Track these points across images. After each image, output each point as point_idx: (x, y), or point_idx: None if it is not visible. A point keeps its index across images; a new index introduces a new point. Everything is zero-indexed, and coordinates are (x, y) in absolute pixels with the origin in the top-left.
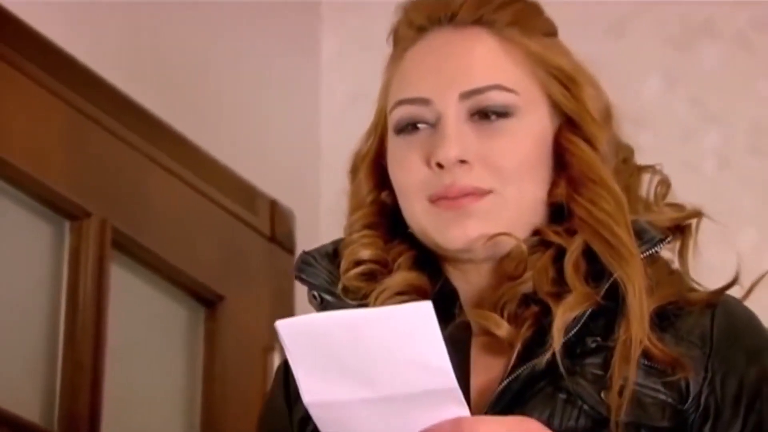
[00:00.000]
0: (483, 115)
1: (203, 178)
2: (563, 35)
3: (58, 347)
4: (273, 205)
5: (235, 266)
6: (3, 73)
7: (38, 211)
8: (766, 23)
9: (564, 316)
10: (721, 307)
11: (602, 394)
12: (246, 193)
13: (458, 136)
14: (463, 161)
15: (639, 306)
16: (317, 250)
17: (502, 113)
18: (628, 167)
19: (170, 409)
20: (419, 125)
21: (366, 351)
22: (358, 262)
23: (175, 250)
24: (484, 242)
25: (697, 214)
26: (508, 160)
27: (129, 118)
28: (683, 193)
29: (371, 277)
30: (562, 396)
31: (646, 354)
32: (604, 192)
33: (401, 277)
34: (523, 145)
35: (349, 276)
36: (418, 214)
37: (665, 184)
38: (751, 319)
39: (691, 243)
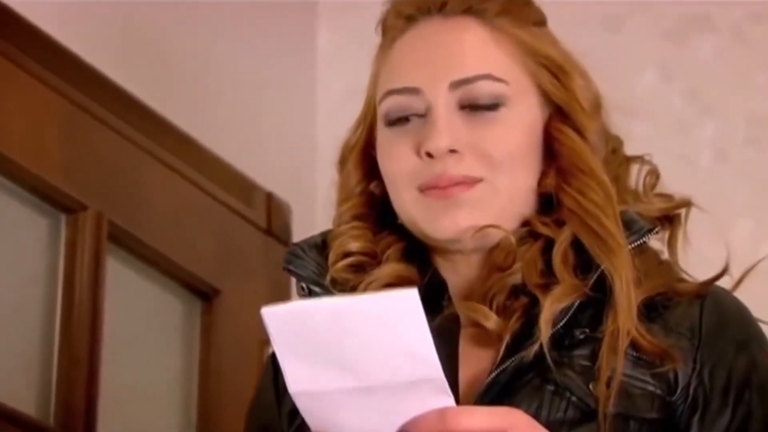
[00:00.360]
0: (473, 106)
1: (200, 171)
2: (560, 29)
3: (54, 340)
4: (269, 198)
5: (232, 259)
6: (0, 68)
7: (34, 204)
8: (762, 16)
9: (552, 307)
10: (710, 298)
11: (590, 386)
12: (242, 186)
13: (448, 126)
14: (453, 151)
15: (626, 297)
16: (306, 241)
17: (493, 103)
18: (617, 157)
19: (167, 402)
20: (409, 118)
21: (352, 338)
22: (347, 254)
23: (171, 243)
24: (473, 233)
25: (686, 203)
26: (498, 149)
27: (126, 112)
28: (679, 186)
29: (360, 268)
30: (550, 388)
31: (634, 345)
32: (593, 182)
33: (390, 268)
34: (514, 135)
35: (338, 268)
36: (407, 204)
37: (654, 174)
38: (740, 309)
39: (680, 233)
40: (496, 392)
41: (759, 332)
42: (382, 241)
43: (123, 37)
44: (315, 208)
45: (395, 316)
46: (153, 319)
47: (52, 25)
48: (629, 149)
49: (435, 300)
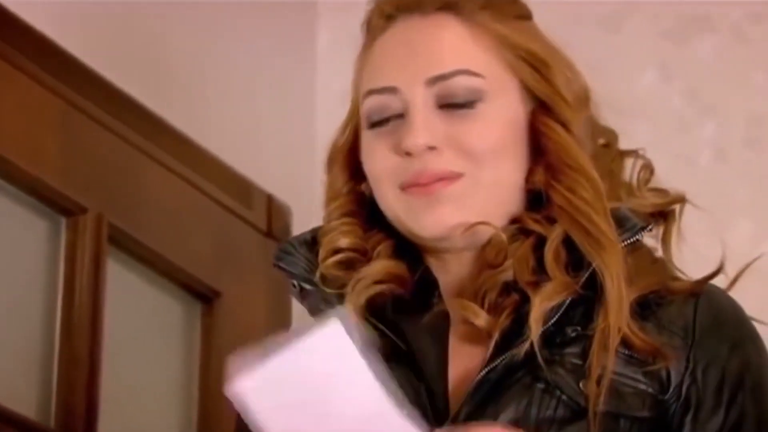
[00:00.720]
0: (451, 102)
1: (199, 173)
2: (560, 29)
3: (55, 343)
4: (269, 200)
5: (232, 262)
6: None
7: (34, 206)
8: (762, 16)
9: (542, 305)
10: (704, 297)
11: (581, 384)
12: (242, 188)
13: (426, 123)
14: (432, 147)
15: (617, 294)
16: (296, 238)
17: (470, 99)
18: (610, 151)
19: (167, 404)
20: (390, 118)
21: (312, 385)
22: (337, 251)
23: (171, 245)
24: (462, 231)
25: (681, 199)
26: (478, 143)
27: (125, 114)
28: (679, 186)
29: (350, 265)
30: (540, 386)
31: (626, 343)
32: (583, 179)
33: (380, 265)
34: (494, 129)
35: (327, 264)
36: (391, 203)
37: (648, 169)
38: (734, 309)
39: (674, 229)
40: (486, 390)
41: (753, 332)
42: (372, 238)
43: (121, 38)
44: (315, 209)
45: (330, 350)
46: (153, 321)
47: (49, 26)
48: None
49: (425, 297)
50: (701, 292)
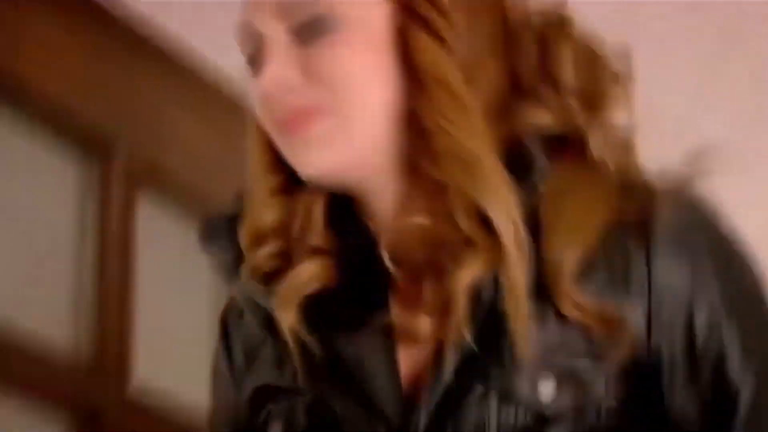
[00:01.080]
0: (305, 31)
1: (227, 117)
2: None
3: (87, 281)
4: None
5: None
6: (29, 14)
7: (65, 148)
8: None
9: (463, 278)
10: (658, 222)
11: (539, 385)
12: None
13: (277, 60)
14: (286, 83)
15: (513, 236)
16: (219, 215)
17: (324, 24)
18: (551, 31)
19: (200, 340)
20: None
21: None
22: (262, 234)
23: (200, 182)
24: (346, 173)
25: (618, 78)
26: (337, 71)
27: (157, 60)
28: None
29: (284, 257)
30: (495, 392)
31: (574, 319)
32: (445, 94)
33: (307, 272)
34: (354, 53)
35: (258, 257)
36: (281, 150)
37: (588, 52)
38: (701, 224)
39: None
40: (441, 403)
41: (728, 251)
42: (303, 198)
43: None
44: None
45: None
46: (184, 257)
47: None
48: None
49: (368, 278)
50: (655, 217)
